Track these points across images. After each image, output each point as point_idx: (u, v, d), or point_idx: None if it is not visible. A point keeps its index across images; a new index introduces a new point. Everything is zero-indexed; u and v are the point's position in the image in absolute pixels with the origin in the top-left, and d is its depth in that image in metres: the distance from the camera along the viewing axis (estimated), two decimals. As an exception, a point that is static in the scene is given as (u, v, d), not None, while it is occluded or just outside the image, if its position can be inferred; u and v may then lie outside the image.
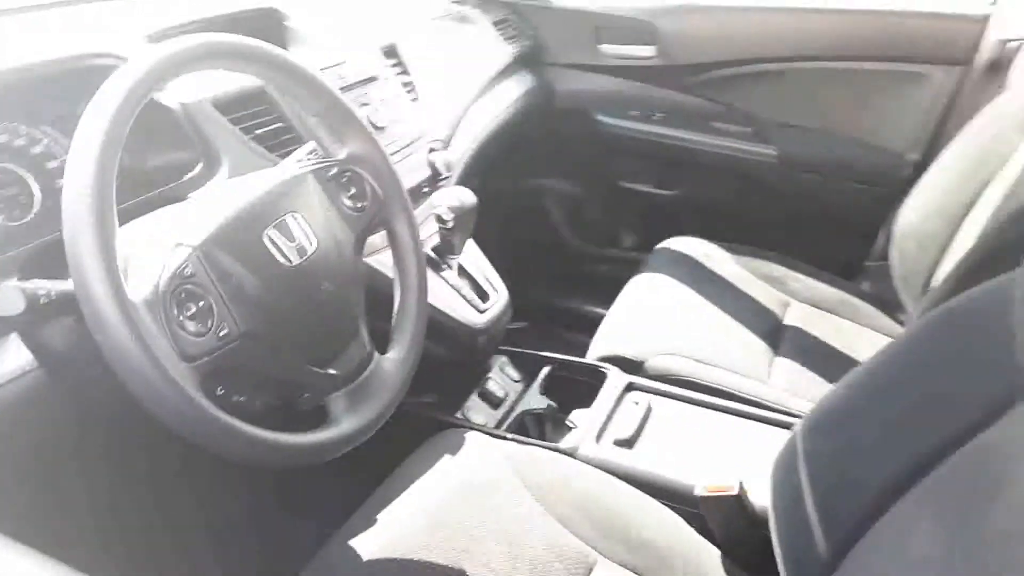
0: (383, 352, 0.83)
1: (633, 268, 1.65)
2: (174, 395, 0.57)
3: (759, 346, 1.43)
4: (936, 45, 1.60)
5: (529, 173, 2.01)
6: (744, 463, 1.11)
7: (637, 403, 1.19)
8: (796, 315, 1.55)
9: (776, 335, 1.48)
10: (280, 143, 1.00)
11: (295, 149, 1.00)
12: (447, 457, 1.02)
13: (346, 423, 0.74)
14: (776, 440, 1.17)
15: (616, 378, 1.25)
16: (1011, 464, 0.62)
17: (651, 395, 1.22)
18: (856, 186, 1.77)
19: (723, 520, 0.98)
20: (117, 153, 0.60)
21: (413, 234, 0.87)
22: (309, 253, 0.73)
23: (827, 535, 0.81)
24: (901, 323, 1.61)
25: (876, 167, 1.74)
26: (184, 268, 0.63)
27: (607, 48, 1.85)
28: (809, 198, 1.81)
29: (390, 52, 1.31)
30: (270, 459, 0.66)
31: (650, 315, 1.44)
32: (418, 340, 0.85)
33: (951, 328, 0.76)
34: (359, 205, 0.82)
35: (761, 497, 0.98)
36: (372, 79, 1.20)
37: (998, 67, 1.51)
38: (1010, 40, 1.48)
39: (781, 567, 0.87)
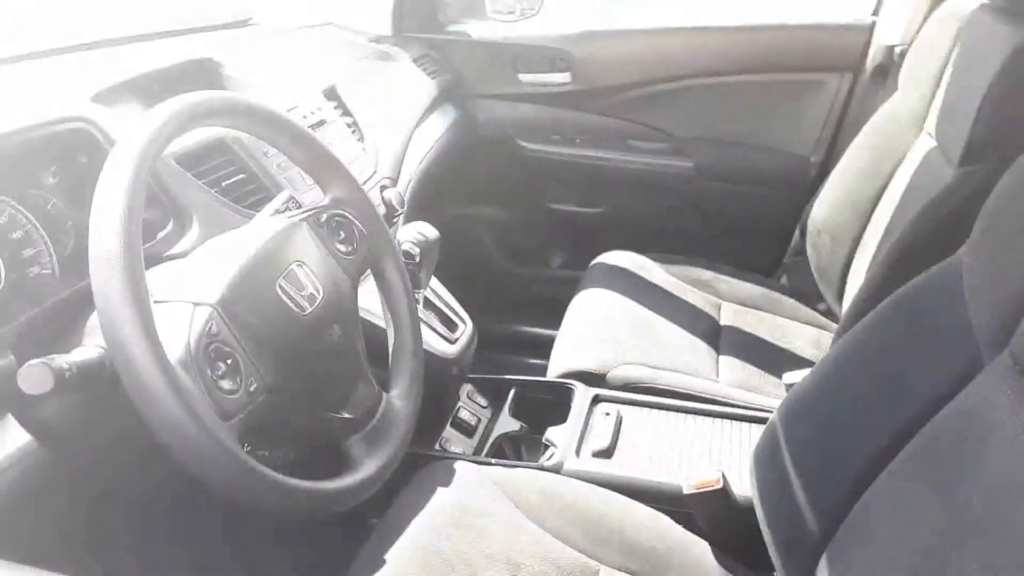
0: (386, 391, 0.85)
1: (568, 287, 1.71)
2: (222, 455, 0.57)
3: (703, 347, 1.51)
4: (828, 54, 1.75)
5: (460, 203, 2.05)
6: (717, 458, 1.18)
7: (608, 414, 1.23)
8: (729, 315, 1.64)
9: (716, 336, 1.56)
10: (246, 194, 1.00)
11: (261, 198, 1.00)
12: (440, 490, 1.03)
13: (369, 465, 0.75)
14: (740, 433, 1.25)
15: (583, 392, 1.29)
16: (987, 424, 0.69)
17: (619, 404, 1.27)
18: (768, 190, 1.89)
19: (711, 514, 1.03)
20: (140, 217, 0.60)
21: (401, 273, 0.89)
22: (318, 300, 0.74)
23: (816, 515, 0.87)
24: (821, 312, 1.73)
25: (784, 171, 1.87)
26: (209, 327, 0.63)
27: (526, 77, 1.91)
28: (727, 205, 1.92)
29: (331, 94, 1.33)
30: (304, 508, 0.66)
31: (600, 329, 1.50)
32: (419, 376, 0.87)
33: (908, 311, 0.84)
34: (350, 248, 0.84)
35: (743, 488, 1.04)
36: (323, 122, 1.21)
37: (886, 71, 1.66)
38: (895, 45, 1.63)
39: (772, 551, 0.93)
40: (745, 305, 1.70)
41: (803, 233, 1.75)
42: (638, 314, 1.56)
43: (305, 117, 1.15)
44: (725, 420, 1.26)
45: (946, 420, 0.74)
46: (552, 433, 1.23)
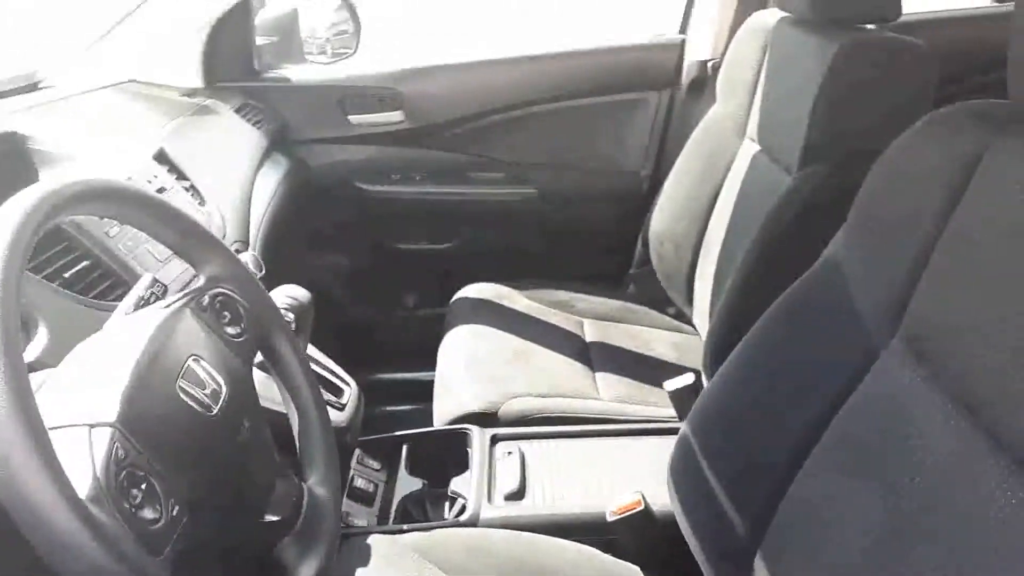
0: (304, 480, 0.77)
1: (431, 325, 1.68)
2: None
3: (579, 367, 1.54)
4: (645, 73, 1.85)
5: (304, 255, 1.94)
6: (628, 476, 1.19)
7: (510, 452, 1.21)
8: (593, 331, 1.68)
9: (586, 353, 1.59)
10: (93, 283, 0.87)
11: (112, 285, 0.89)
12: (360, 572, 0.96)
13: (304, 570, 0.67)
14: (642, 447, 1.27)
15: (479, 435, 1.26)
16: (893, 408, 0.74)
17: (518, 441, 1.25)
18: (606, 206, 1.96)
19: (637, 536, 1.04)
20: (18, 327, 0.49)
21: (295, 348, 0.81)
22: (223, 396, 0.66)
23: (741, 520, 0.89)
24: (673, 316, 1.82)
25: (618, 187, 1.95)
26: (115, 450, 0.53)
27: (356, 118, 1.85)
28: (571, 225, 1.97)
29: (161, 158, 1.20)
30: None
31: (478, 367, 1.47)
32: (333, 455, 0.79)
33: (796, 311, 0.88)
34: (239, 330, 0.75)
35: (662, 503, 1.05)
36: (162, 190, 1.09)
37: (702, 84, 1.78)
38: (707, 60, 1.76)
39: (703, 564, 0.94)
40: (605, 319, 1.74)
41: (645, 244, 1.83)
42: (510, 345, 1.56)
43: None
44: (623, 437, 1.27)
45: (853, 411, 0.78)
46: (457, 484, 1.19)
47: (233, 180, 1.44)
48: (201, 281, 0.76)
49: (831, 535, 0.78)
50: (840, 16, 1.22)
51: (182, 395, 0.62)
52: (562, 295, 1.79)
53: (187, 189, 1.20)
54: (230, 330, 0.74)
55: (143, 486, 0.54)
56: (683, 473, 0.98)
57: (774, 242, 1.23)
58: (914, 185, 0.74)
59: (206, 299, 0.74)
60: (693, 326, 1.67)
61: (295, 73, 1.86)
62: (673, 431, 1.30)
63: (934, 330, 0.71)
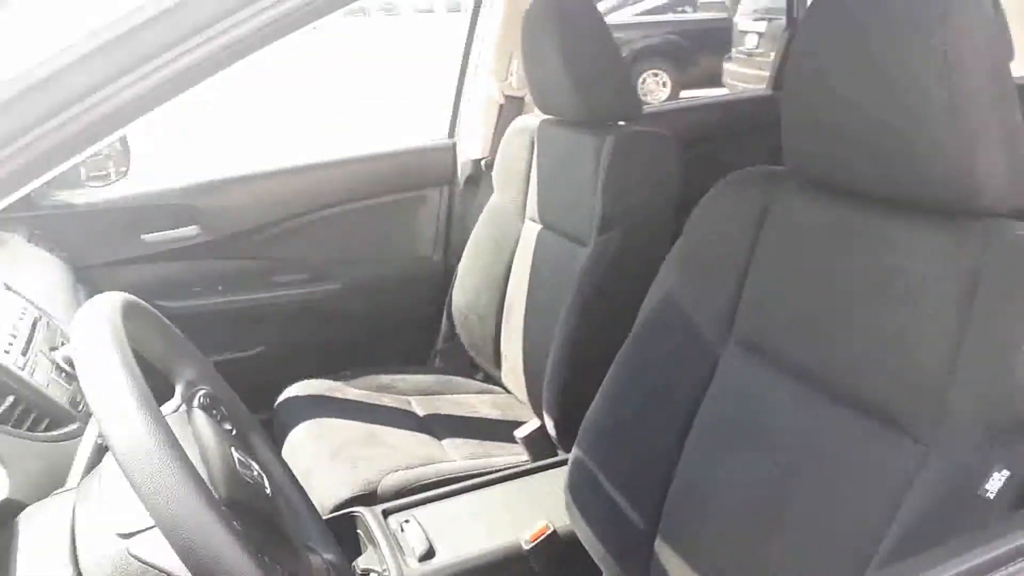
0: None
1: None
2: None
3: (425, 439, 1.67)
4: (425, 173, 2.09)
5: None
6: (521, 515, 1.34)
7: (407, 520, 1.31)
8: (421, 406, 1.82)
9: (426, 425, 1.73)
10: (20, 417, 0.85)
11: (36, 418, 0.88)
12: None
13: None
14: (516, 489, 1.43)
15: (371, 514, 1.33)
16: (741, 392, 1.01)
17: (408, 510, 1.35)
18: (407, 291, 2.13)
19: (553, 559, 1.20)
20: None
21: (263, 434, 0.87)
22: (263, 477, 0.71)
23: (639, 510, 1.10)
24: (480, 380, 2.02)
25: (416, 273, 2.14)
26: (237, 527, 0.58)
27: (150, 237, 1.84)
28: (377, 313, 2.10)
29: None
30: None
31: (334, 456, 1.54)
32: (329, 534, 0.86)
33: (652, 338, 1.13)
34: (228, 423, 0.80)
35: (563, 525, 1.22)
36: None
37: (477, 179, 2.06)
38: (479, 159, 2.04)
39: (608, 564, 1.13)
40: (428, 394, 1.89)
41: (450, 319, 2.03)
42: (358, 430, 1.64)
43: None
44: (496, 485, 1.43)
45: (712, 402, 1.04)
46: (365, 561, 1.25)
47: (48, 312, 1.38)
48: (182, 387, 0.80)
49: (715, 505, 1.01)
50: (600, 117, 1.56)
51: (248, 479, 0.68)
52: (383, 379, 1.90)
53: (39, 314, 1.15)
54: (227, 426, 0.79)
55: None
56: (581, 489, 1.17)
57: (589, 298, 1.49)
58: (726, 228, 1.03)
59: (197, 400, 0.79)
60: (502, 386, 1.89)
61: (79, 197, 1.79)
62: (531, 471, 1.50)
63: (759, 328, 0.99)
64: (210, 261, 1.91)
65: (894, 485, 0.78)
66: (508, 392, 1.88)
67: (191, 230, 1.87)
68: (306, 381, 1.81)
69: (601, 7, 1.67)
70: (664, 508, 1.08)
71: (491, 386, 1.98)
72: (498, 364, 1.90)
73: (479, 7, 1.94)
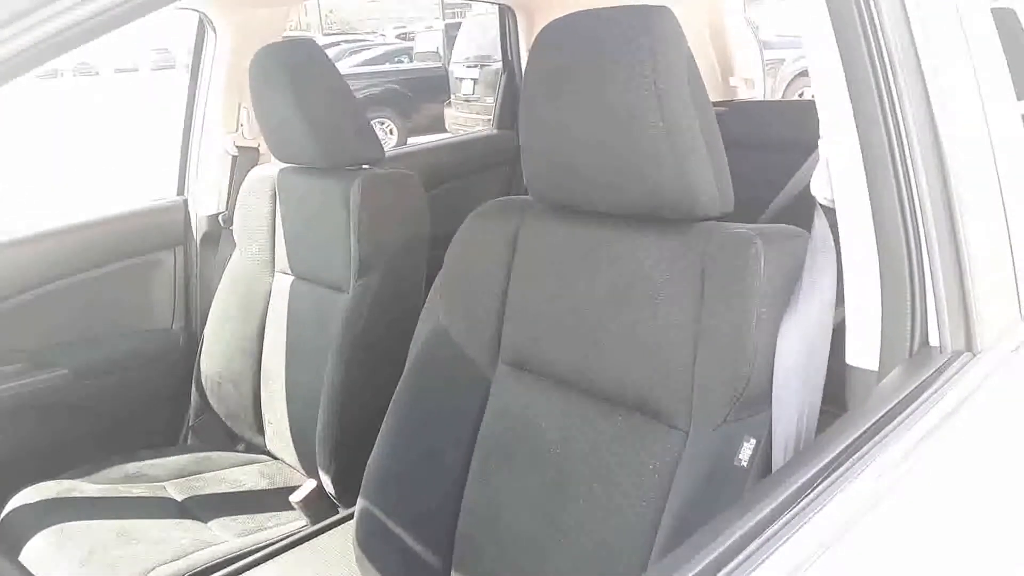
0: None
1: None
2: None
3: (190, 524, 1.52)
4: (155, 234, 1.92)
5: None
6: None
7: None
8: (179, 491, 1.66)
9: (189, 511, 1.57)
10: None
11: None
12: None
13: None
14: (302, 559, 1.35)
15: None
16: (515, 411, 1.05)
17: None
18: (148, 368, 1.93)
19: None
20: None
21: None
22: None
23: (432, 545, 1.10)
24: (243, 451, 1.89)
25: (155, 346, 1.95)
26: None
27: None
28: (115, 396, 1.86)
29: None
30: None
31: (85, 564, 1.35)
32: None
33: (427, 373, 1.14)
34: None
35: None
36: None
37: (215, 236, 1.93)
38: (216, 214, 1.92)
39: None
40: (185, 476, 1.73)
41: (200, 391, 1.87)
42: (108, 530, 1.45)
43: None
44: (281, 555, 1.34)
45: (489, 425, 1.07)
46: None
47: None
48: None
49: (501, 527, 1.04)
50: (342, 162, 1.55)
51: None
52: (130, 468, 1.71)
53: None
54: None
55: None
56: (371, 540, 1.13)
57: (353, 345, 1.47)
58: (482, 257, 1.08)
59: None
60: (268, 453, 1.79)
61: None
62: (313, 535, 1.43)
63: (523, 347, 1.04)
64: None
65: (663, 474, 0.85)
66: (275, 459, 1.78)
67: None
68: (34, 487, 1.57)
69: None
70: (457, 536, 1.09)
71: (256, 455, 1.85)
72: (260, 431, 1.80)
73: (199, 58, 1.85)
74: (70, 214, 1.84)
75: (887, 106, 0.72)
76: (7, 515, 1.52)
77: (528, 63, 0.95)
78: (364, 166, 1.58)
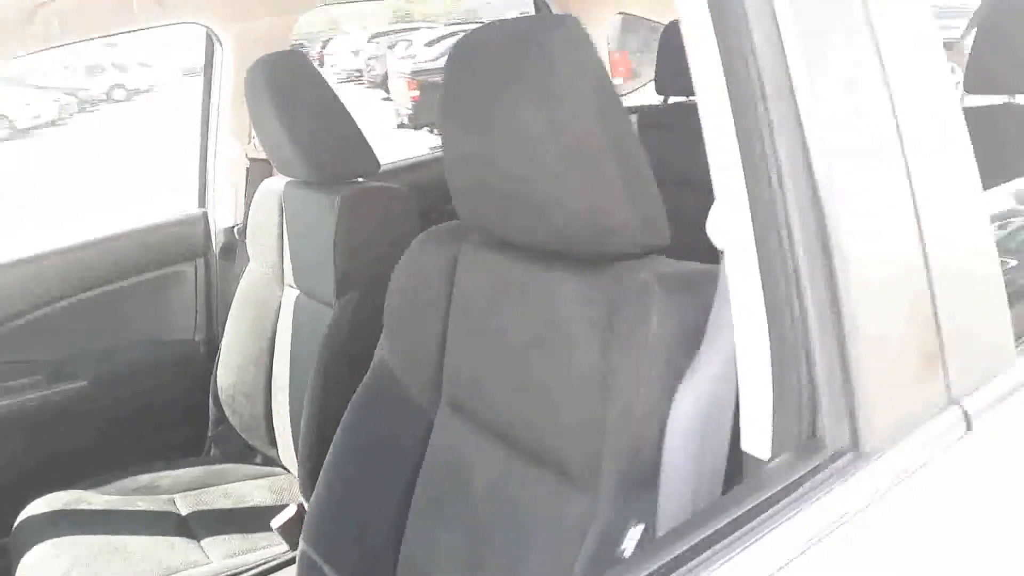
0: None
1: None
2: None
3: (179, 542, 1.51)
4: (177, 247, 1.94)
5: None
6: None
7: None
8: (186, 504, 1.66)
9: (186, 526, 1.57)
10: None
11: None
12: None
13: None
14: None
15: None
16: (454, 456, 0.97)
17: None
18: (170, 378, 1.95)
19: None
20: None
21: None
22: None
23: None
24: (260, 463, 1.88)
25: (177, 356, 1.97)
26: None
27: None
28: (135, 407, 1.89)
29: None
30: None
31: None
32: None
33: (370, 412, 1.07)
34: None
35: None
36: None
37: (232, 248, 1.93)
38: (232, 226, 1.92)
39: None
40: (195, 488, 1.73)
41: (217, 403, 1.88)
42: (100, 544, 1.46)
43: None
44: None
45: (429, 469, 0.99)
46: None
47: None
48: None
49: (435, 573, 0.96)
50: (333, 175, 1.50)
51: None
52: (144, 479, 1.72)
53: None
54: None
55: None
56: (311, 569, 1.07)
57: (332, 364, 1.42)
58: (422, 288, 0.99)
59: None
60: (283, 467, 1.77)
61: None
62: (292, 562, 1.39)
63: (461, 387, 0.95)
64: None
65: (571, 540, 0.75)
66: (289, 472, 1.76)
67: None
68: (48, 496, 1.60)
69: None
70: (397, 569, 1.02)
71: (272, 468, 1.84)
72: (274, 443, 1.78)
73: (211, 67, 1.84)
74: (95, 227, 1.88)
75: (771, 162, 0.55)
76: (19, 524, 1.56)
77: (443, 81, 0.86)
78: (359, 179, 1.53)
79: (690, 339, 0.65)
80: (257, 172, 1.87)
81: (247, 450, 1.90)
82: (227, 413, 1.85)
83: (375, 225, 1.43)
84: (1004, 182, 1.24)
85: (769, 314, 0.55)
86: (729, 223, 0.57)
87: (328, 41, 17.91)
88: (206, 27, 1.74)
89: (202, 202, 1.98)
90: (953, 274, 0.58)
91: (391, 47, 13.32)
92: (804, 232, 0.53)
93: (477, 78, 0.80)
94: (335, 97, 1.50)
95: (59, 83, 16.08)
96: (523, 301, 0.86)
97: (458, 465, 0.96)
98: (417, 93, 10.24)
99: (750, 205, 0.54)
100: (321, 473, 1.09)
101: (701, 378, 0.64)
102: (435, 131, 7.48)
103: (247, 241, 1.79)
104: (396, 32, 14.01)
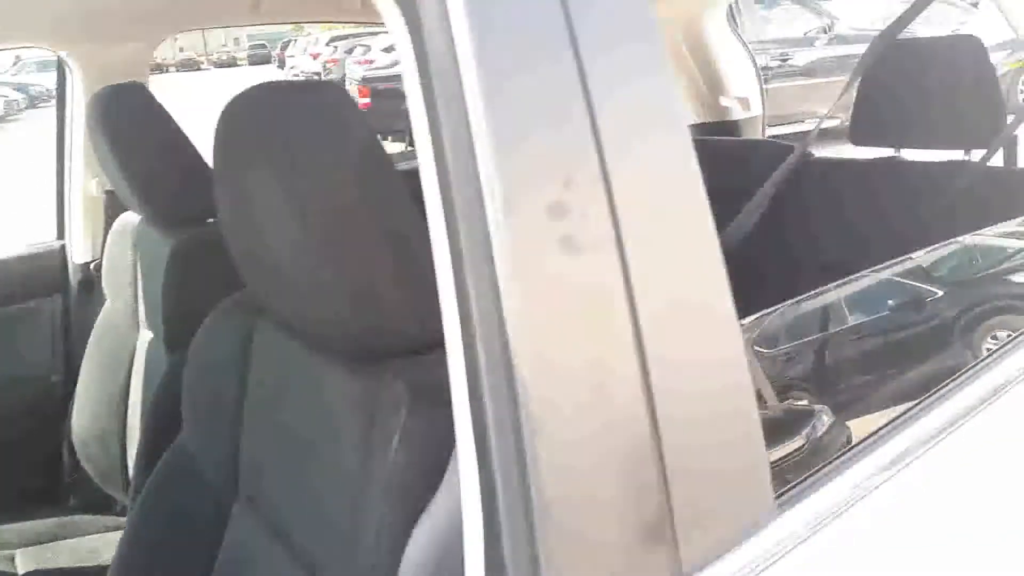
0: None
1: None
2: None
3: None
4: (30, 281, 1.80)
5: None
6: None
7: None
8: (27, 561, 1.54)
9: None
10: None
11: None
12: None
13: None
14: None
15: None
16: (244, 556, 0.88)
17: None
18: (22, 420, 1.81)
19: None
20: None
21: None
22: None
23: None
24: (120, 513, 1.76)
25: (30, 398, 1.82)
26: None
27: None
28: None
29: None
30: None
31: None
32: None
33: (166, 495, 0.97)
34: None
35: None
36: None
37: (90, 284, 1.81)
38: (89, 261, 1.80)
39: None
40: (41, 542, 1.62)
41: (71, 450, 1.76)
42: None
43: None
44: None
45: (221, 567, 0.90)
46: None
47: None
48: None
49: None
50: (174, 218, 1.40)
51: None
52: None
53: None
54: None
55: None
56: None
57: (163, 417, 1.31)
58: (214, 370, 0.90)
59: None
60: (142, 518, 1.65)
61: None
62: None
63: (255, 485, 0.87)
64: None
65: None
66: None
67: None
68: None
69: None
70: None
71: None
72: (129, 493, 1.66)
73: (64, 92, 1.72)
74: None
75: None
76: None
77: (214, 139, 0.77)
78: (210, 220, 1.43)
79: (431, 471, 0.57)
80: (113, 205, 1.76)
81: (106, 499, 1.78)
82: (81, 460, 1.74)
83: (210, 276, 1.33)
84: (893, 241, 1.16)
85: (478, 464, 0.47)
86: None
87: (289, 42, 17.58)
88: (56, 52, 1.62)
89: (60, 234, 1.85)
90: (688, 414, 0.49)
91: (348, 51, 13.07)
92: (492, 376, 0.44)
93: (240, 142, 0.72)
94: (179, 133, 1.40)
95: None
96: (304, 394, 0.79)
97: (247, 565, 0.87)
98: (368, 100, 10.11)
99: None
100: (115, 557, 0.99)
101: (441, 514, 0.56)
102: (388, 138, 7.32)
103: (103, 278, 1.68)
104: (355, 36, 13.74)
